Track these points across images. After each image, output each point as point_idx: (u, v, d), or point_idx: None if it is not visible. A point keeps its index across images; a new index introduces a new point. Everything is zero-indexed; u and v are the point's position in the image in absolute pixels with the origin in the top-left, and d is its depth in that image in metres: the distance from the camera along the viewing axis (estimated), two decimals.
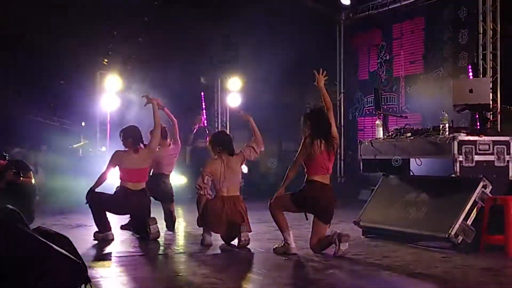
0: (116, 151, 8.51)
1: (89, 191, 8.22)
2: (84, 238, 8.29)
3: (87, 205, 8.21)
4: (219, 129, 16.44)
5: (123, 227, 9.14)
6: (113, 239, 8.10)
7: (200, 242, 7.69)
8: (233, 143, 7.89)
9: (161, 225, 9.03)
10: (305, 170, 7.05)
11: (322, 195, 6.94)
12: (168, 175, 9.54)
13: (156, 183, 9.01)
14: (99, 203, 8.13)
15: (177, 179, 13.28)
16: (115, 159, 8.30)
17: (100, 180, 8.33)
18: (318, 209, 6.98)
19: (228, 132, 7.99)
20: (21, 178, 9.44)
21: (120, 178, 8.31)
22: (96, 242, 8.01)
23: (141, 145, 8.42)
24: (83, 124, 19.57)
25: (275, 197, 7.10)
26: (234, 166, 7.69)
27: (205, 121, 17.14)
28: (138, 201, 8.20)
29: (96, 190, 8.24)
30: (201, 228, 7.80)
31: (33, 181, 9.82)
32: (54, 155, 16.73)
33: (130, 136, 8.37)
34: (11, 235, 0.81)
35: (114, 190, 8.35)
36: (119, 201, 8.17)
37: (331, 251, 6.81)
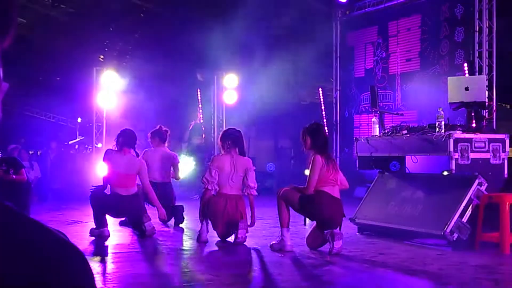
0: (108, 149, 8.55)
1: (94, 191, 8.31)
2: (80, 234, 8.30)
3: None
4: (216, 126, 16.46)
5: (122, 223, 9.16)
6: (108, 236, 8.10)
7: (196, 238, 7.69)
8: (243, 138, 7.83)
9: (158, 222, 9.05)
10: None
11: (328, 206, 6.93)
12: (169, 183, 9.47)
13: (159, 193, 8.93)
14: (99, 203, 8.15)
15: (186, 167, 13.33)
16: (105, 157, 8.36)
17: (105, 182, 8.40)
18: (322, 219, 6.98)
19: (237, 128, 7.89)
20: (12, 175, 9.40)
21: (110, 182, 8.33)
22: (92, 238, 8.01)
23: (132, 150, 8.42)
24: (79, 120, 19.59)
25: (285, 190, 7.10)
26: (239, 168, 7.60)
27: (201, 118, 17.15)
28: (130, 205, 8.17)
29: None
30: (198, 225, 7.79)
31: (26, 178, 9.79)
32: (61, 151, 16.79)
33: (121, 138, 8.38)
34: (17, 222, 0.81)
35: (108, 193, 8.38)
36: (112, 206, 8.18)
37: (326, 249, 6.83)
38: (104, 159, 8.39)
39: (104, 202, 8.18)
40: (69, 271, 0.91)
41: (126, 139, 8.37)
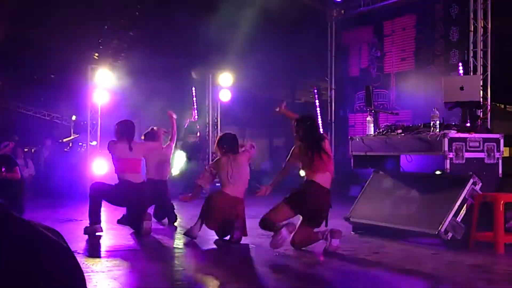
0: (110, 140, 8.55)
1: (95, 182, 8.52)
2: (74, 232, 8.27)
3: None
4: (210, 124, 16.47)
5: (120, 221, 9.17)
6: (101, 231, 8.10)
7: (186, 231, 7.66)
8: (238, 142, 8.03)
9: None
10: (305, 171, 7.09)
11: (315, 197, 6.90)
12: (166, 181, 9.58)
13: (157, 191, 9.05)
14: (100, 194, 8.16)
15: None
16: (109, 147, 8.43)
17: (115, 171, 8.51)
18: (307, 210, 6.94)
19: (232, 133, 8.14)
20: (4, 173, 9.34)
21: (118, 171, 8.35)
22: (86, 236, 7.98)
23: (133, 140, 8.49)
24: (74, 118, 19.56)
25: (275, 212, 7.00)
26: (240, 162, 7.80)
27: (196, 116, 17.13)
28: (137, 193, 8.25)
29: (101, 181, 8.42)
30: (193, 223, 7.78)
31: (19, 175, 9.74)
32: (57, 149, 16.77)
33: (125, 132, 8.41)
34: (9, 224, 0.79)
35: (115, 183, 8.39)
36: (120, 194, 8.21)
37: (321, 247, 6.81)
38: (108, 149, 8.46)
39: (108, 189, 8.24)
40: (58, 271, 0.90)
41: (125, 129, 8.41)
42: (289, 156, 7.22)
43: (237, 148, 7.94)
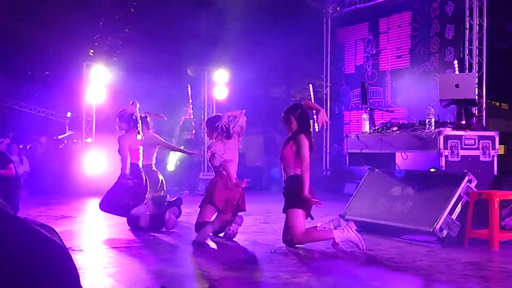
0: (123, 136, 8.52)
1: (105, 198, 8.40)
2: (68, 229, 8.26)
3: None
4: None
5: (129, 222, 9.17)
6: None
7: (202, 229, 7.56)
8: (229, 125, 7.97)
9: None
10: (287, 164, 6.99)
11: (300, 187, 6.92)
12: (152, 165, 9.66)
13: (150, 174, 9.10)
14: (120, 206, 8.18)
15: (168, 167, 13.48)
16: (127, 142, 8.41)
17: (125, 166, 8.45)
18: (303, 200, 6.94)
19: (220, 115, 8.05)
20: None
21: (135, 159, 8.43)
22: (81, 233, 7.95)
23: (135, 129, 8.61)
24: (68, 115, 19.52)
25: (299, 225, 6.87)
26: (233, 146, 7.83)
27: (191, 113, 17.11)
28: (143, 181, 8.44)
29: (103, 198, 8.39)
30: (191, 220, 7.77)
31: (14, 172, 9.69)
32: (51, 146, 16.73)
33: (131, 119, 8.49)
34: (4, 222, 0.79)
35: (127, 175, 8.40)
36: (137, 183, 8.29)
37: (315, 245, 6.81)
38: (126, 143, 8.40)
39: (122, 193, 8.24)
40: (52, 268, 0.89)
41: (131, 117, 8.46)
42: (305, 150, 6.85)
43: (229, 131, 7.83)
